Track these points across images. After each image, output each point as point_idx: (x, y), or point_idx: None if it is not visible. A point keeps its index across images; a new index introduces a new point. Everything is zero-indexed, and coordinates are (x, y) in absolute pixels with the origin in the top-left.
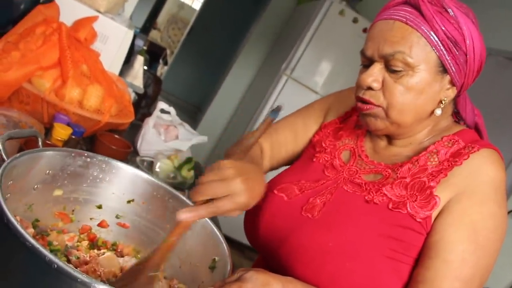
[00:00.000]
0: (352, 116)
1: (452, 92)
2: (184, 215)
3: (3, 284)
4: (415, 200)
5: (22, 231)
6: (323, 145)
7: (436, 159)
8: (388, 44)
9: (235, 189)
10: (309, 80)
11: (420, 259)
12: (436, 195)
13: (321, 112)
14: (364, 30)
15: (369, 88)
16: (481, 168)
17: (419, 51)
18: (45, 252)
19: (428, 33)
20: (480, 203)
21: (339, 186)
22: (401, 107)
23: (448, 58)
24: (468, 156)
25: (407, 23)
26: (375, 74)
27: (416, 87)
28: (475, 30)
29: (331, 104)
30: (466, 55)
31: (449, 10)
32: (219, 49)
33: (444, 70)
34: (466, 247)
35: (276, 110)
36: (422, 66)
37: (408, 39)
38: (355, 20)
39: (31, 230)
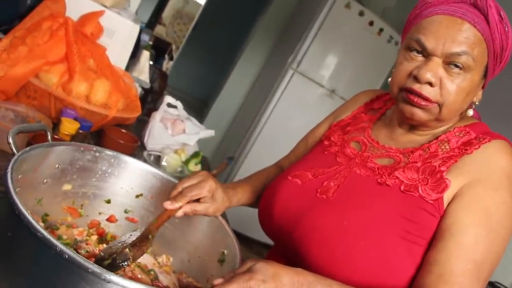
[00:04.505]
0: (360, 114)
1: (481, 95)
2: (168, 204)
3: (15, 275)
4: (427, 184)
5: (34, 222)
6: (332, 139)
7: (447, 147)
8: (456, 44)
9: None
10: (315, 73)
11: (433, 242)
12: (447, 178)
13: (329, 119)
14: (371, 23)
15: (426, 83)
16: (494, 157)
17: (479, 55)
18: (57, 242)
19: (489, 39)
20: (493, 190)
21: (352, 171)
22: (453, 106)
23: (494, 66)
24: (479, 146)
25: (475, 26)
26: (435, 69)
27: (467, 89)
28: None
29: (339, 111)
30: (501, 63)
31: (504, 18)
32: (224, 44)
33: (485, 75)
34: (479, 230)
35: (230, 158)
36: (477, 69)
37: (474, 42)
38: (361, 13)
39: (41, 224)
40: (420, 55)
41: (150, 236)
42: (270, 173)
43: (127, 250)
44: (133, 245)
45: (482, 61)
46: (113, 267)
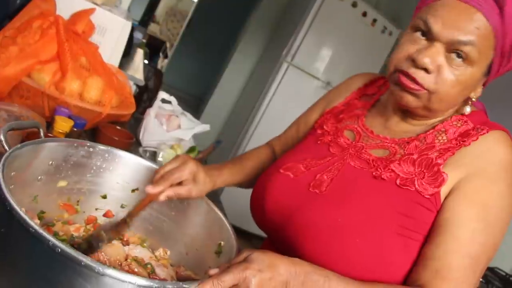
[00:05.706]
0: (354, 100)
1: (480, 92)
2: (150, 189)
3: (9, 270)
4: (423, 177)
5: (26, 217)
6: (325, 127)
7: (444, 137)
8: (464, 32)
9: (182, 161)
10: (310, 66)
11: (429, 237)
12: (444, 172)
13: (322, 103)
14: (364, 14)
15: (422, 69)
16: (492, 149)
17: (485, 49)
18: (49, 236)
19: (499, 35)
20: (491, 183)
21: (346, 162)
22: (445, 97)
23: (499, 64)
24: (477, 138)
25: (487, 18)
26: (435, 56)
27: (465, 82)
28: None
29: (332, 96)
30: (509, 63)
31: None
32: (218, 40)
33: (488, 72)
34: (476, 225)
35: (218, 142)
36: (479, 64)
37: (483, 35)
38: (354, 4)
39: (37, 221)
40: (424, 38)
41: (127, 220)
42: (261, 154)
43: (102, 232)
44: (110, 227)
45: (487, 56)
46: (90, 251)
